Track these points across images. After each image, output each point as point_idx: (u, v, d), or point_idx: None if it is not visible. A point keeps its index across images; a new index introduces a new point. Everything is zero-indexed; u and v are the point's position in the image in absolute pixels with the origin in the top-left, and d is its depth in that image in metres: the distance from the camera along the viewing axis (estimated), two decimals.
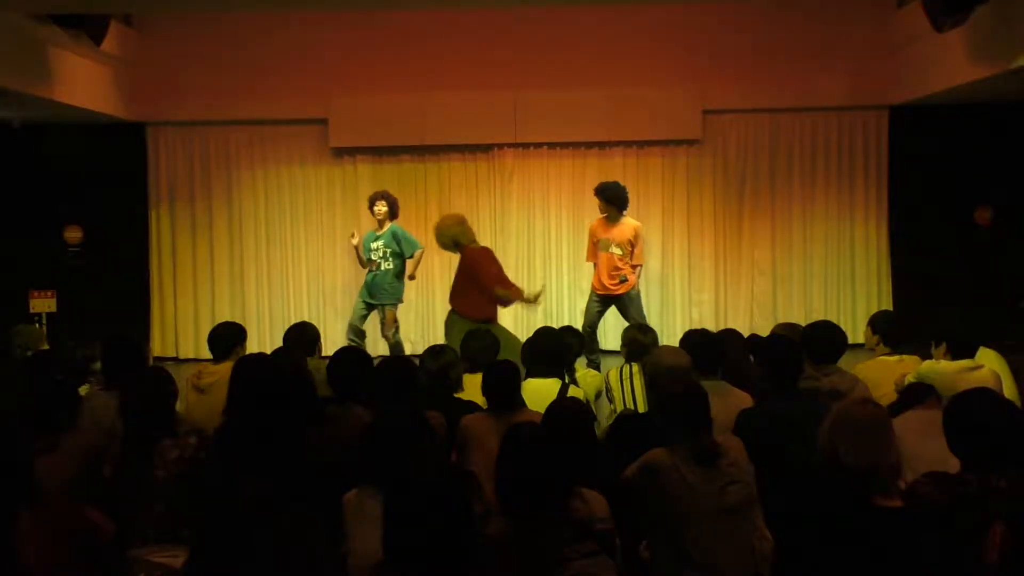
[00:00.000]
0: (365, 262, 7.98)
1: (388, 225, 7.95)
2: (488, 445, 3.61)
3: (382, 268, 7.86)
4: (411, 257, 7.95)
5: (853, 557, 2.77)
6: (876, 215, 9.31)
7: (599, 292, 7.73)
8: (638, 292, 7.83)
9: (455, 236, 6.80)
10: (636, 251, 7.69)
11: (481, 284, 6.59)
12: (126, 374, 4.26)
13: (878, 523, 2.78)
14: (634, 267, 7.70)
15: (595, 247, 7.79)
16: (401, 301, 8.06)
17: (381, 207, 7.90)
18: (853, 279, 9.34)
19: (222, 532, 2.54)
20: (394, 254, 7.86)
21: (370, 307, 7.96)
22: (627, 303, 7.69)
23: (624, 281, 7.61)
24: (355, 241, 8.18)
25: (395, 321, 7.96)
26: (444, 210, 9.28)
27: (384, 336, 8.01)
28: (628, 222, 7.76)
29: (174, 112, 9.09)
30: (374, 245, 7.89)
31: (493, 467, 3.02)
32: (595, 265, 7.84)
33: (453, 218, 7.04)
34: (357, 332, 7.96)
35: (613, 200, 7.63)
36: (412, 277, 8.12)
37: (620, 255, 7.63)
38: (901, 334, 4.92)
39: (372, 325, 8.20)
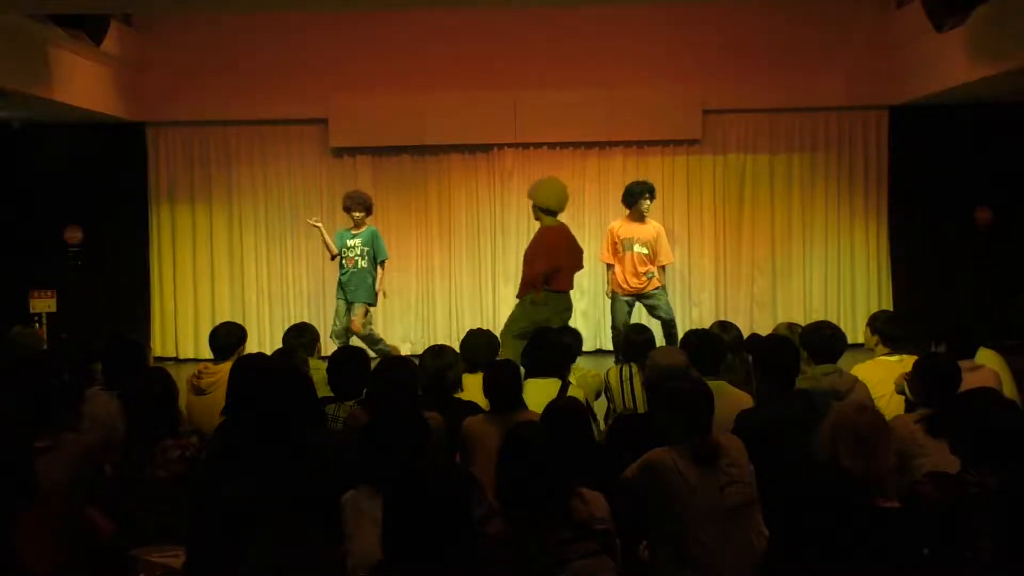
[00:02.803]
0: (335, 255, 8.01)
1: (366, 226, 7.98)
2: (490, 447, 3.61)
3: (359, 266, 7.89)
4: (381, 263, 7.99)
5: (852, 557, 2.77)
6: (876, 215, 9.31)
7: (626, 292, 7.77)
8: (664, 289, 7.97)
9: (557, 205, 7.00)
10: (661, 251, 7.84)
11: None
12: (126, 374, 4.26)
13: (876, 523, 2.78)
14: (661, 267, 7.88)
15: (616, 247, 7.84)
16: (374, 304, 8.07)
17: (359, 212, 7.91)
18: (853, 279, 9.34)
19: (221, 532, 2.54)
20: (369, 255, 7.91)
21: (350, 305, 7.95)
22: (657, 300, 7.80)
23: (651, 277, 7.74)
24: (316, 222, 8.17)
25: (366, 315, 7.97)
26: (444, 210, 9.34)
27: (355, 332, 7.93)
28: (652, 222, 7.91)
29: (174, 112, 9.09)
30: (351, 243, 7.91)
31: (495, 468, 3.02)
32: (612, 266, 7.91)
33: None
34: (340, 334, 7.91)
35: (653, 197, 7.81)
36: (384, 294, 8.19)
37: (646, 254, 7.73)
38: (900, 334, 4.91)
39: None
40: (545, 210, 7.04)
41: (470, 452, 3.88)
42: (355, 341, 7.90)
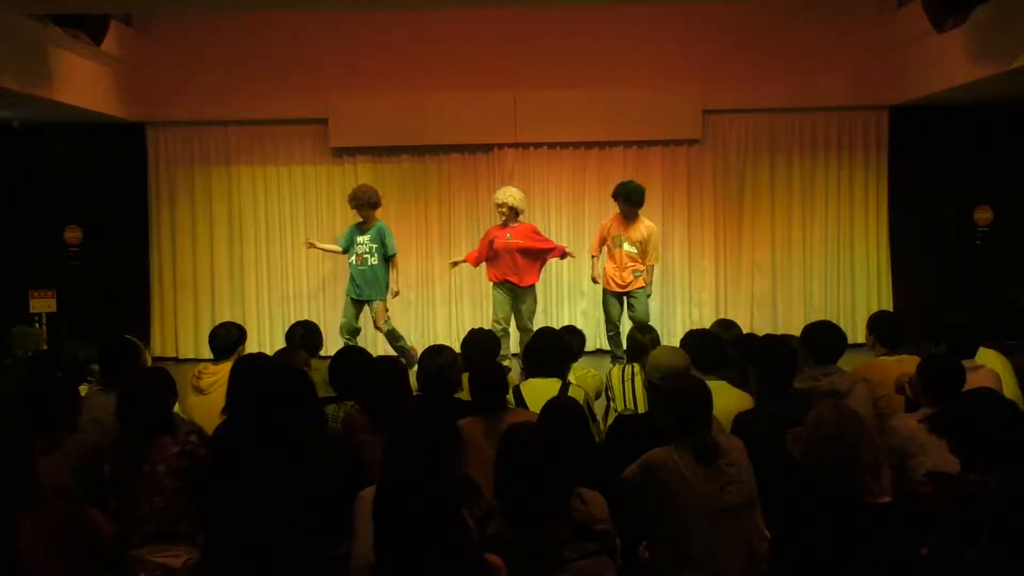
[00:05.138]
0: (345, 250, 8.02)
1: (375, 221, 7.98)
2: (482, 447, 3.61)
3: (368, 263, 7.89)
4: (390, 258, 7.97)
5: (851, 556, 2.77)
6: (876, 215, 9.30)
7: (614, 289, 7.87)
8: (648, 292, 7.97)
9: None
10: (649, 251, 7.84)
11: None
12: (123, 374, 4.26)
13: (874, 522, 2.78)
14: (646, 267, 7.87)
15: (603, 242, 7.94)
16: (384, 296, 8.06)
17: (364, 209, 7.92)
18: (853, 279, 9.34)
19: (221, 532, 2.54)
20: (379, 251, 7.92)
21: (359, 304, 7.98)
22: (636, 300, 7.81)
23: (638, 276, 7.78)
24: (319, 244, 8.27)
25: (386, 311, 8.01)
26: (444, 210, 9.36)
27: (378, 328, 8.00)
28: (644, 222, 7.91)
29: (174, 112, 9.09)
30: (360, 239, 7.92)
31: (488, 469, 3.01)
32: (595, 259, 8.03)
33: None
34: (352, 331, 7.97)
35: (632, 200, 7.76)
36: (396, 293, 8.16)
37: (634, 252, 7.77)
38: (897, 334, 4.91)
39: (366, 323, 8.22)
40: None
41: (463, 452, 3.86)
42: (365, 338, 7.96)
